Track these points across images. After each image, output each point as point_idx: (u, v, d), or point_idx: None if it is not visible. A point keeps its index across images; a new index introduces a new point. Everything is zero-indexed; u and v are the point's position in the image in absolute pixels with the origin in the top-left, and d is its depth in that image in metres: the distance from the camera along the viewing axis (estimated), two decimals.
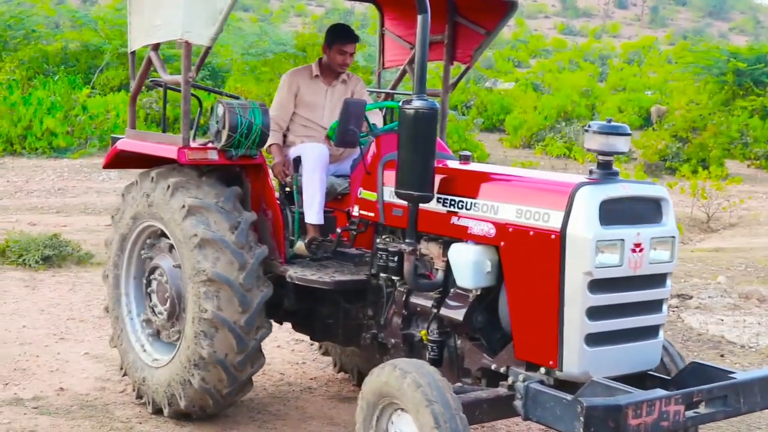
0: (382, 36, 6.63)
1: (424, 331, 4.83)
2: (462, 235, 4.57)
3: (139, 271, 5.86)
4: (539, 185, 4.42)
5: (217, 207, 5.19)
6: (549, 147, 24.39)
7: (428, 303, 4.82)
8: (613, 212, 4.10)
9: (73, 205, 13.73)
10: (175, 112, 13.69)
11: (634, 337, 4.26)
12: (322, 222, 5.54)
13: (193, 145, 5.37)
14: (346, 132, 4.99)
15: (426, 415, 3.92)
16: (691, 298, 9.15)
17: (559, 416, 3.90)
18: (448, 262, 4.66)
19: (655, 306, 4.34)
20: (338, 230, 5.50)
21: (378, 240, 5.15)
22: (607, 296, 4.12)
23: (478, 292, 4.52)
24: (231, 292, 5.06)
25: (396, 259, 4.92)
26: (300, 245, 5.53)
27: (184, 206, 5.17)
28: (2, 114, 18.23)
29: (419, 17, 4.52)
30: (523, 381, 4.17)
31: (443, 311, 4.68)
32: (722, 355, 7.48)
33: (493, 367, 4.46)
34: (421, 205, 4.67)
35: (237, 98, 5.80)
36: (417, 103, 4.45)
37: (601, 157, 4.23)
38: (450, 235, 4.66)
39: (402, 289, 4.96)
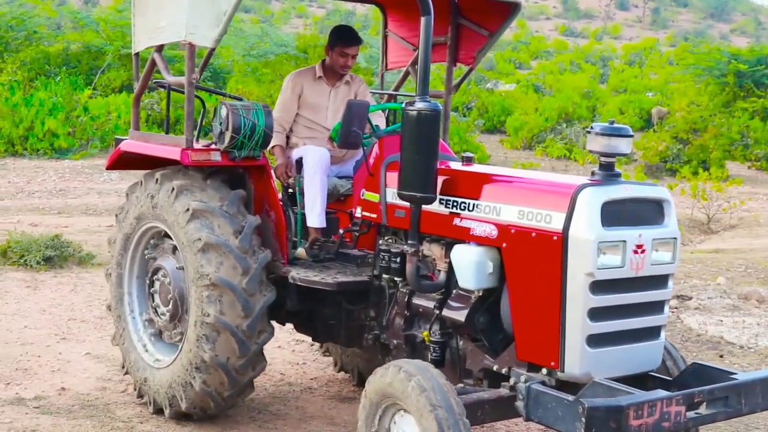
0: (385, 37, 6.65)
1: (426, 332, 4.84)
2: (464, 236, 4.59)
3: (142, 271, 5.87)
4: (541, 187, 4.43)
5: (221, 211, 5.19)
6: (549, 148, 24.41)
7: (430, 304, 4.83)
8: (614, 213, 4.11)
9: (75, 206, 13.75)
10: (176, 113, 13.70)
11: (635, 338, 4.27)
12: (323, 225, 5.55)
13: (196, 146, 5.38)
14: (349, 133, 5.00)
15: (430, 420, 3.93)
16: (690, 299, 9.17)
17: (560, 417, 3.91)
18: (450, 264, 4.67)
19: (656, 307, 4.35)
20: (341, 231, 5.52)
21: (380, 241, 5.17)
22: (609, 297, 4.13)
23: (480, 293, 4.53)
24: (234, 296, 5.07)
25: (398, 260, 4.94)
26: (301, 251, 5.54)
27: (188, 209, 5.18)
28: (4, 115, 18.24)
29: (423, 19, 4.53)
30: (525, 382, 4.18)
31: (445, 312, 4.69)
32: (721, 356, 7.50)
33: (494, 368, 4.47)
34: (424, 207, 4.68)
35: (240, 100, 5.82)
36: (420, 105, 4.46)
37: (603, 159, 4.24)
38: (452, 236, 4.68)
39: (404, 290, 4.97)
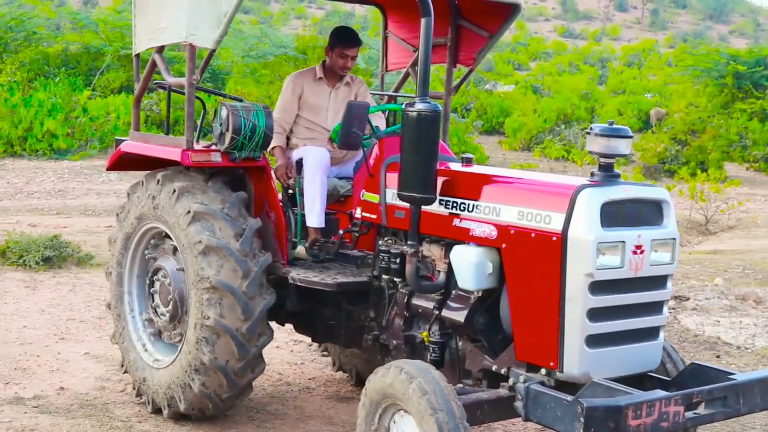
0: (385, 39, 6.66)
1: (425, 333, 4.85)
2: (464, 237, 4.60)
3: (142, 271, 5.88)
4: (541, 187, 4.44)
5: (222, 213, 5.20)
6: (547, 149, 24.45)
7: (430, 304, 4.84)
8: (614, 214, 4.12)
9: (73, 206, 13.76)
10: (175, 114, 13.72)
11: (634, 338, 4.28)
12: (323, 225, 5.56)
13: (196, 147, 5.39)
14: (349, 134, 5.01)
15: (431, 423, 3.94)
16: (688, 299, 9.19)
17: (559, 417, 3.92)
18: (449, 264, 4.68)
19: (655, 307, 4.36)
20: (341, 232, 5.52)
21: (380, 242, 5.18)
22: (608, 298, 4.14)
23: (480, 294, 4.54)
24: (234, 299, 5.08)
25: (398, 260, 4.95)
26: (300, 249, 5.55)
27: (189, 212, 5.19)
28: (3, 115, 18.25)
29: (423, 20, 4.54)
30: (524, 382, 4.19)
31: (445, 313, 4.70)
32: (718, 356, 7.52)
33: (494, 368, 4.48)
34: (423, 207, 4.69)
35: (240, 101, 5.83)
36: (420, 106, 4.46)
37: (602, 160, 4.25)
38: (452, 237, 4.69)
39: (404, 291, 4.98)
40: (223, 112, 5.30)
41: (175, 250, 5.50)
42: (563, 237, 4.10)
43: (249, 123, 5.27)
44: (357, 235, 5.42)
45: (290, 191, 5.78)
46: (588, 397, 3.88)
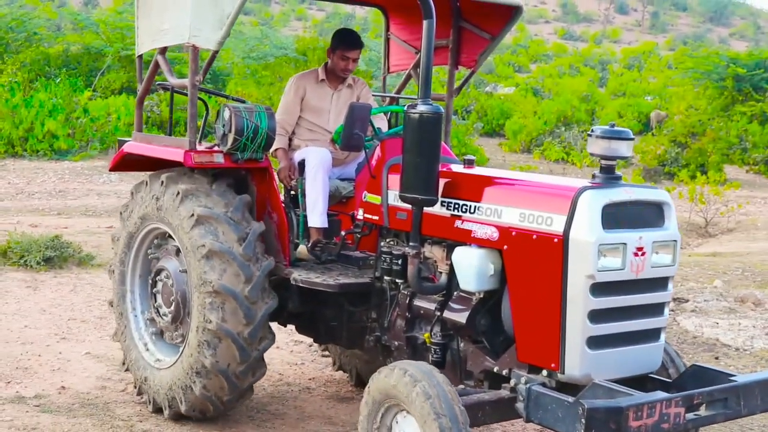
0: (387, 40, 6.67)
1: (427, 334, 4.86)
2: (465, 238, 4.61)
3: (145, 270, 5.89)
4: (542, 189, 4.45)
5: (226, 217, 5.20)
6: (547, 151, 24.47)
7: (432, 306, 4.85)
8: (615, 216, 4.13)
9: (74, 207, 13.78)
10: (176, 115, 13.75)
11: (635, 340, 4.29)
12: (325, 225, 5.57)
13: (199, 148, 5.41)
14: (351, 136, 5.02)
15: (433, 427, 3.94)
16: (687, 301, 9.20)
17: (560, 418, 3.93)
18: (451, 266, 4.69)
19: (656, 309, 4.37)
20: (342, 233, 5.53)
21: (382, 243, 5.19)
22: (609, 299, 4.15)
23: (481, 295, 4.55)
24: (236, 304, 5.09)
25: (400, 262, 4.96)
26: (302, 249, 5.56)
27: (193, 215, 5.19)
28: (4, 116, 18.27)
29: (425, 22, 4.55)
30: (526, 383, 4.19)
31: (446, 314, 4.71)
32: (717, 358, 7.53)
33: (495, 369, 4.49)
34: (425, 209, 4.70)
35: (243, 102, 5.84)
36: (422, 108, 4.47)
37: (603, 162, 4.26)
38: (454, 238, 4.70)
39: (406, 292, 4.99)
40: (226, 114, 5.31)
41: (178, 251, 5.51)
42: (564, 239, 4.11)
43: (251, 124, 5.29)
44: (359, 236, 5.43)
45: (292, 192, 5.79)
46: (589, 399, 3.89)
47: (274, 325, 5.55)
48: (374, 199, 5.21)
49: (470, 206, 4.61)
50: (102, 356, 6.83)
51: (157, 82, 6.07)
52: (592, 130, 4.25)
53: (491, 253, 4.48)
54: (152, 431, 5.49)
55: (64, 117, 18.75)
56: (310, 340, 6.94)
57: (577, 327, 4.10)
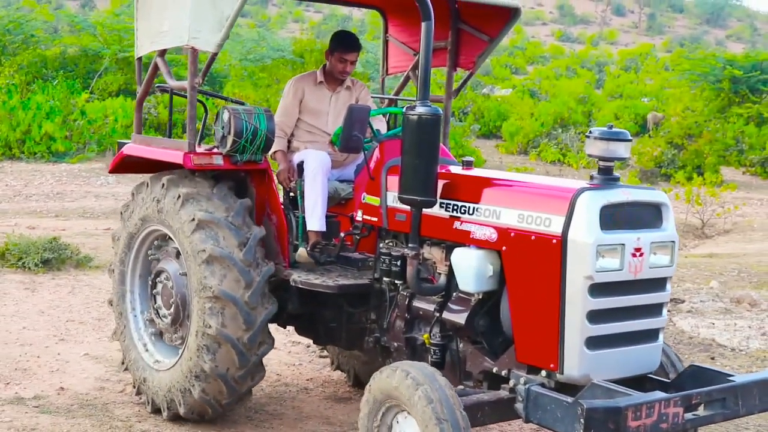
0: (385, 42, 6.68)
1: (426, 335, 4.87)
2: (464, 239, 4.62)
3: (145, 271, 5.90)
4: (541, 191, 4.47)
5: (226, 222, 5.21)
6: (543, 153, 24.50)
7: (431, 307, 4.86)
8: (613, 217, 4.15)
9: (72, 209, 13.78)
10: (173, 117, 13.79)
11: (634, 340, 4.31)
12: (323, 229, 5.56)
13: (198, 150, 5.42)
14: (350, 138, 5.03)
15: (435, 431, 3.96)
16: (683, 302, 9.23)
17: (559, 418, 3.94)
18: (450, 267, 4.70)
19: (655, 310, 4.38)
20: (342, 235, 5.54)
21: (381, 244, 5.20)
22: (608, 300, 4.16)
23: (480, 296, 4.56)
24: (236, 309, 5.10)
25: (399, 263, 4.97)
26: (302, 252, 5.56)
27: (193, 219, 5.20)
28: (1, 118, 18.27)
29: (423, 24, 4.56)
30: (525, 384, 4.21)
31: (445, 315, 4.72)
32: (713, 358, 7.55)
33: (494, 370, 4.51)
34: (424, 210, 4.71)
35: (242, 104, 5.85)
36: (420, 109, 4.48)
37: (601, 163, 4.27)
38: (452, 239, 4.71)
39: (405, 293, 5.00)
40: (225, 116, 5.32)
41: (178, 253, 5.52)
42: (563, 240, 4.12)
43: (251, 126, 5.30)
44: (358, 237, 5.44)
45: (291, 194, 5.80)
46: (588, 399, 3.90)
47: (273, 326, 5.56)
48: (373, 200, 5.22)
49: (469, 207, 4.63)
50: (100, 357, 6.85)
51: (156, 85, 6.08)
52: (590, 132, 4.27)
53: (490, 254, 4.49)
54: (151, 431, 5.50)
55: (61, 119, 18.74)
56: (307, 340, 6.95)
57: (575, 327, 4.12)
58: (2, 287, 8.72)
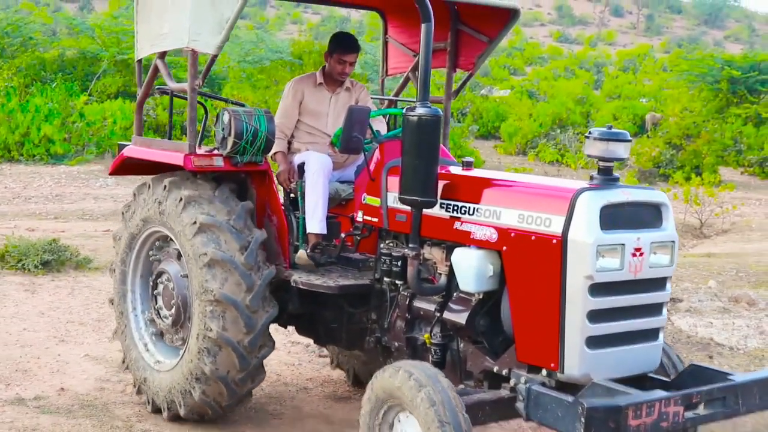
0: (385, 44, 6.69)
1: (427, 335, 4.88)
2: (465, 239, 4.63)
3: (146, 271, 5.91)
4: (541, 191, 4.48)
5: (228, 226, 5.22)
6: (541, 153, 24.53)
7: (431, 307, 4.87)
8: (613, 217, 4.16)
9: (71, 211, 13.79)
10: (173, 119, 13.81)
11: (634, 339, 4.32)
12: (324, 231, 5.56)
13: (198, 151, 5.43)
14: (350, 139, 5.04)
15: None
16: (681, 301, 9.24)
17: (560, 417, 3.95)
18: (451, 267, 4.71)
19: (655, 309, 4.39)
20: (342, 235, 5.55)
21: (382, 245, 5.21)
22: (608, 300, 4.17)
23: (481, 296, 4.57)
24: (237, 313, 5.11)
25: (399, 263, 4.98)
26: (301, 254, 5.56)
27: (195, 222, 5.21)
28: (0, 121, 18.27)
29: (423, 26, 4.57)
30: (525, 383, 4.21)
31: (446, 315, 4.73)
32: (711, 357, 7.56)
33: (495, 369, 4.52)
34: (425, 211, 4.73)
35: (242, 105, 5.87)
36: (420, 110, 4.49)
37: (601, 163, 4.28)
38: (453, 239, 4.72)
39: (405, 294, 5.01)
40: (225, 117, 5.33)
41: (179, 254, 5.53)
42: (563, 240, 4.13)
43: (251, 128, 5.31)
44: (358, 238, 5.45)
45: (292, 195, 5.81)
46: (588, 398, 3.92)
47: (273, 326, 5.57)
48: (373, 201, 5.23)
49: (469, 208, 4.64)
50: (100, 358, 6.86)
51: (156, 87, 6.09)
52: (590, 132, 4.28)
53: (490, 254, 4.50)
54: (151, 431, 5.52)
55: (60, 121, 18.76)
56: (307, 340, 6.96)
57: (576, 327, 4.13)
58: (2, 289, 8.73)
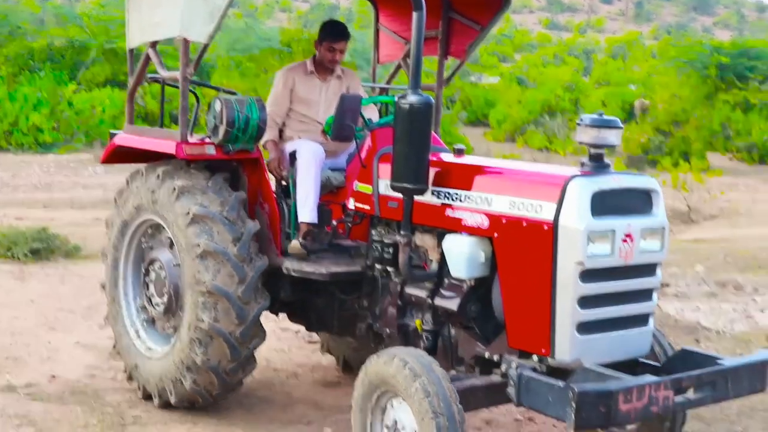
0: (376, 32, 6.68)
1: (418, 321, 4.91)
2: (456, 226, 4.65)
3: (138, 258, 5.91)
4: (532, 177, 4.49)
5: (221, 217, 5.21)
6: (530, 140, 24.55)
7: (423, 293, 4.89)
8: (604, 203, 4.18)
9: (60, 199, 13.75)
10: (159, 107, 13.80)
11: (624, 325, 4.35)
12: (315, 221, 5.55)
13: (190, 140, 5.43)
14: (342, 126, 5.05)
15: (431, 426, 3.99)
16: (668, 286, 9.29)
17: (551, 402, 4.00)
18: (442, 253, 4.73)
19: (645, 295, 4.42)
20: (334, 223, 5.56)
21: (373, 232, 5.22)
22: (599, 285, 4.20)
23: (472, 282, 4.60)
24: (229, 304, 5.13)
25: (391, 250, 5.00)
26: (294, 244, 5.56)
27: (188, 213, 5.21)
28: None
29: (415, 14, 4.58)
30: (516, 368, 4.24)
31: (437, 301, 4.76)
32: (698, 340, 7.61)
33: (486, 355, 4.55)
34: (416, 198, 4.74)
35: (234, 94, 5.87)
36: (412, 98, 4.51)
37: (592, 150, 4.30)
38: (444, 226, 4.74)
39: (397, 280, 5.04)
40: (217, 106, 5.33)
41: (171, 243, 5.53)
42: (554, 226, 4.16)
43: (243, 116, 5.31)
44: (350, 225, 5.46)
45: (283, 183, 5.82)
46: (579, 383, 3.94)
47: (264, 313, 5.57)
48: (365, 188, 5.24)
49: (460, 195, 4.65)
50: (91, 346, 6.87)
51: (148, 75, 6.08)
52: (581, 119, 4.29)
53: (482, 241, 4.53)
54: (142, 417, 5.55)
55: (48, 110, 18.69)
56: (296, 326, 6.98)
57: (566, 312, 4.16)
58: None
